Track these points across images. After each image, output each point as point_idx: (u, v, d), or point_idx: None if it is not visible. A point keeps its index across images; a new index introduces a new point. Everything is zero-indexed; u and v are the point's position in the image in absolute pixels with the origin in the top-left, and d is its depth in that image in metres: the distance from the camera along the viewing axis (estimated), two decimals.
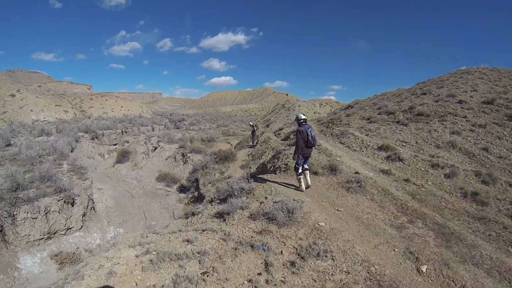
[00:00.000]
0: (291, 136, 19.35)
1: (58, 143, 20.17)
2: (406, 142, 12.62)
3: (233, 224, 7.55)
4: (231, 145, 25.72)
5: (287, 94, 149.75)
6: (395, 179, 10.03)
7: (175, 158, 23.11)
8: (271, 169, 13.22)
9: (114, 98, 55.28)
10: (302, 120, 8.50)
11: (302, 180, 8.80)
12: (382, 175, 10.37)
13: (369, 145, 12.84)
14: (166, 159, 23.77)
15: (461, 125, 13.13)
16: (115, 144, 29.38)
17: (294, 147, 8.76)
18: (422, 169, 10.53)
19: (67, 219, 13.38)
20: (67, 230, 13.41)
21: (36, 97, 43.76)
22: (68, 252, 12.73)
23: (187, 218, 10.47)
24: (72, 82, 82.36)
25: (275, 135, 23.23)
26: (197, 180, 17.65)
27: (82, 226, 14.39)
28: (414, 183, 9.64)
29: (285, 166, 12.25)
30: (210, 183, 15.84)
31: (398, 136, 13.36)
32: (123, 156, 24.91)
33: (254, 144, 22.56)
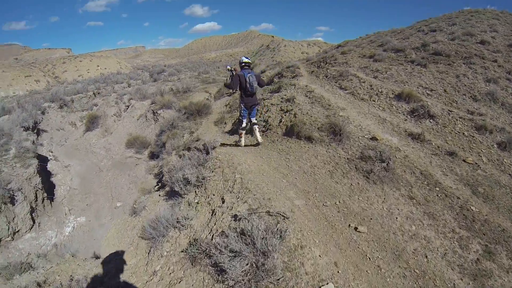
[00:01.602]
0: (275, 80, 15.30)
1: (6, 123, 15.85)
2: (432, 90, 8.67)
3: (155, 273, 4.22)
4: (210, 94, 21.33)
5: (273, 36, 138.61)
6: (434, 152, 6.24)
7: (146, 116, 18.89)
8: (248, 126, 9.43)
9: (89, 58, 48.60)
10: (244, 63, 7.13)
11: (243, 135, 7.45)
12: (412, 142, 6.54)
13: (381, 91, 8.79)
14: (137, 119, 19.53)
15: (494, 71, 9.49)
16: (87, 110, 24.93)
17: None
18: (465, 133, 6.81)
19: (10, 222, 10.41)
20: (14, 234, 10.50)
21: (3, 71, 38.09)
22: (17, 263, 9.38)
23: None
24: (50, 48, 75.28)
25: None
26: (164, 145, 13.75)
27: (32, 225, 11.22)
28: (464, 160, 5.91)
29: (264, 123, 8.59)
30: (175, 149, 11.93)
31: (418, 80, 9.33)
32: (91, 123, 20.64)
33: (234, 91, 18.34)
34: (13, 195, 10.80)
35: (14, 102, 25.18)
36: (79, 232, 12.63)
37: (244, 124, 7.19)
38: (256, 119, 7.39)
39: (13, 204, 10.72)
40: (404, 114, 7.65)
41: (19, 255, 10.01)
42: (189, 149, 8.26)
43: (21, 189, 11.23)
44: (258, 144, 7.43)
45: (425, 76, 9.42)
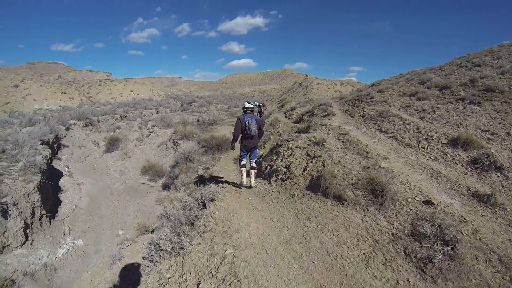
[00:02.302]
0: (305, 118, 14.08)
1: (22, 135, 15.43)
2: (493, 134, 6.86)
3: None
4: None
5: (306, 75, 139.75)
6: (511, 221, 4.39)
7: (166, 145, 18.02)
8: (266, 171, 8.12)
9: (124, 83, 50.01)
10: (246, 108, 7.19)
11: (243, 172, 7.36)
12: (480, 207, 4.72)
13: (431, 136, 7.09)
14: (158, 147, 18.72)
15: None
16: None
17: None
18: None
19: (0, 235, 9.76)
20: (3, 248, 9.83)
21: (40, 86, 39.74)
22: (1, 278, 9.04)
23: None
24: (91, 70, 78.91)
25: (285, 116, 17.87)
26: (177, 177, 12.62)
27: (25, 242, 10.39)
28: None
29: (285, 169, 7.09)
30: (184, 185, 10.78)
31: (474, 121, 7.60)
32: (112, 144, 20.13)
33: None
34: (7, 209, 10.14)
35: (42, 115, 25.23)
36: (74, 256, 11.46)
37: (243, 163, 7.35)
38: (255, 161, 7.37)
39: (6, 218, 10.03)
40: (463, 165, 5.89)
41: (5, 269, 9.39)
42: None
43: (17, 204, 10.41)
44: (251, 187, 7.38)
45: (481, 116, 7.73)
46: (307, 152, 7.20)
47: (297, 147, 7.76)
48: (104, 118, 26.08)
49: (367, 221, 4.56)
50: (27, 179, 11.50)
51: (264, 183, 7.34)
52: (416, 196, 4.81)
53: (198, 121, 21.69)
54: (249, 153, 7.20)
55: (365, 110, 10.57)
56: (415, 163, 6.18)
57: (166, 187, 14.18)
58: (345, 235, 4.36)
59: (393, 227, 4.31)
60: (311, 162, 6.60)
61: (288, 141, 8.40)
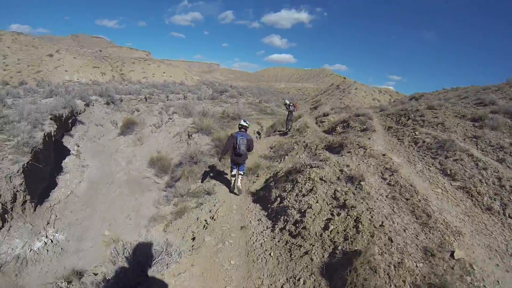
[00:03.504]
0: (338, 129, 11.76)
1: (28, 107, 14.01)
2: None
3: None
4: (261, 127, 18.09)
5: (344, 78, 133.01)
6: None
7: (181, 137, 16.21)
8: (275, 204, 5.93)
9: (158, 63, 49.22)
10: (240, 126, 7.70)
11: (233, 180, 7.88)
12: None
13: None
14: (173, 137, 16.89)
15: None
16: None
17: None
18: None
19: None
20: None
21: (74, 58, 39.45)
22: None
23: None
24: (131, 48, 78.94)
25: (316, 123, 15.56)
26: (179, 180, 10.76)
27: (0, 228, 9.06)
28: None
29: (299, 216, 4.86)
30: (178, 197, 8.89)
31: None
32: (127, 127, 18.64)
33: (287, 130, 15.01)
34: None
35: (64, 88, 24.23)
36: (50, 252, 9.91)
37: (233, 173, 7.77)
38: (243, 172, 7.88)
39: None
40: None
41: None
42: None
43: None
44: (239, 191, 7.73)
45: None
46: (334, 193, 4.92)
47: (321, 179, 5.51)
48: (128, 97, 24.76)
49: None
50: (14, 159, 10.08)
51: (266, 226, 5.22)
52: None
53: (223, 113, 19.76)
54: (237, 167, 7.66)
55: (417, 133, 8.05)
56: (505, 249, 3.71)
57: (170, 186, 12.41)
58: None
59: None
60: (339, 215, 4.31)
61: (312, 167, 6.06)
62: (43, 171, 11.66)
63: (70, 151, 15.82)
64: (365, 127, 10.14)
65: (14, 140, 11.20)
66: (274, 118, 20.36)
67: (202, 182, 9.65)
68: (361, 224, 3.90)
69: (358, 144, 7.29)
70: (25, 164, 10.13)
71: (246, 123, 7.77)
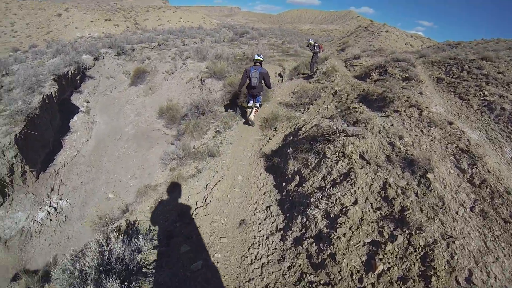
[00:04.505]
0: (373, 75, 9.56)
1: (25, 71, 12.48)
2: None
3: None
4: (283, 69, 15.83)
5: (371, 21, 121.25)
6: None
7: (193, 82, 14.32)
8: (294, 185, 3.98)
9: (173, 9, 45.62)
10: (255, 60, 7.70)
11: (249, 111, 7.99)
12: None
13: None
14: (187, 83, 14.97)
15: None
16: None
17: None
18: None
19: None
20: None
21: (84, 13, 37.32)
22: None
23: None
24: None
25: (345, 66, 13.03)
26: (183, 134, 8.99)
27: (2, 203, 8.51)
28: None
29: (326, 226, 2.95)
30: (176, 159, 7.05)
31: None
32: (137, 77, 16.91)
33: (312, 73, 12.92)
34: None
35: (69, 45, 22.46)
36: (54, 221, 8.99)
37: (250, 104, 7.97)
38: (259, 104, 7.95)
39: None
40: None
41: None
42: None
43: None
44: (251, 123, 7.71)
45: None
46: (384, 188, 2.98)
47: (362, 156, 3.52)
48: (140, 46, 22.80)
49: None
50: (5, 131, 8.92)
51: (276, 225, 3.47)
52: None
53: (243, 54, 17.37)
54: (253, 99, 7.79)
55: (486, 93, 5.77)
56: None
57: (177, 139, 10.78)
58: None
59: None
60: (393, 241, 2.45)
61: (347, 135, 3.94)
62: (44, 136, 10.72)
63: (78, 108, 14.55)
64: (407, 75, 8.08)
65: (10, 108, 10.04)
66: (297, 59, 18.16)
67: (207, 137, 7.86)
68: (433, 271, 2.12)
69: (408, 101, 5.04)
70: (17, 135, 9.00)
71: (260, 57, 7.71)
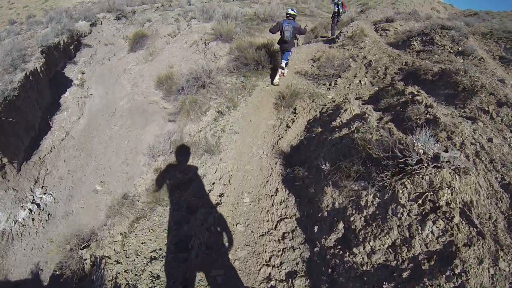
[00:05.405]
0: (415, 44, 7.43)
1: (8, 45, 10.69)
2: None
3: None
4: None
5: None
6: None
7: (197, 46, 12.30)
8: (335, 237, 2.17)
9: None
10: (288, 15, 7.29)
11: (278, 71, 7.42)
12: None
13: None
14: (190, 46, 12.89)
15: None
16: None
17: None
18: None
19: None
20: None
21: None
22: None
23: None
24: None
25: (376, 30, 10.77)
26: (179, 113, 7.17)
27: None
28: None
29: None
30: (163, 154, 5.37)
31: None
32: (136, 42, 14.84)
33: (333, 36, 11.08)
34: None
35: (64, 13, 20.28)
36: (36, 221, 7.61)
37: (283, 64, 7.34)
38: (288, 60, 7.38)
39: None
40: None
41: None
42: None
43: None
44: (276, 83, 7.30)
45: None
46: None
47: (467, 216, 1.65)
48: (141, 8, 20.55)
49: None
50: None
51: None
52: None
53: (254, 14, 15.36)
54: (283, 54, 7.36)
55: None
56: None
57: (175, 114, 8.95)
58: None
59: None
60: None
61: (439, 167, 1.98)
62: (29, 119, 9.09)
63: (71, 82, 12.80)
64: (460, 49, 5.98)
65: None
66: (314, 20, 16.25)
67: (207, 120, 5.96)
68: None
69: (493, 94, 2.98)
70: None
71: (294, 11, 7.46)
